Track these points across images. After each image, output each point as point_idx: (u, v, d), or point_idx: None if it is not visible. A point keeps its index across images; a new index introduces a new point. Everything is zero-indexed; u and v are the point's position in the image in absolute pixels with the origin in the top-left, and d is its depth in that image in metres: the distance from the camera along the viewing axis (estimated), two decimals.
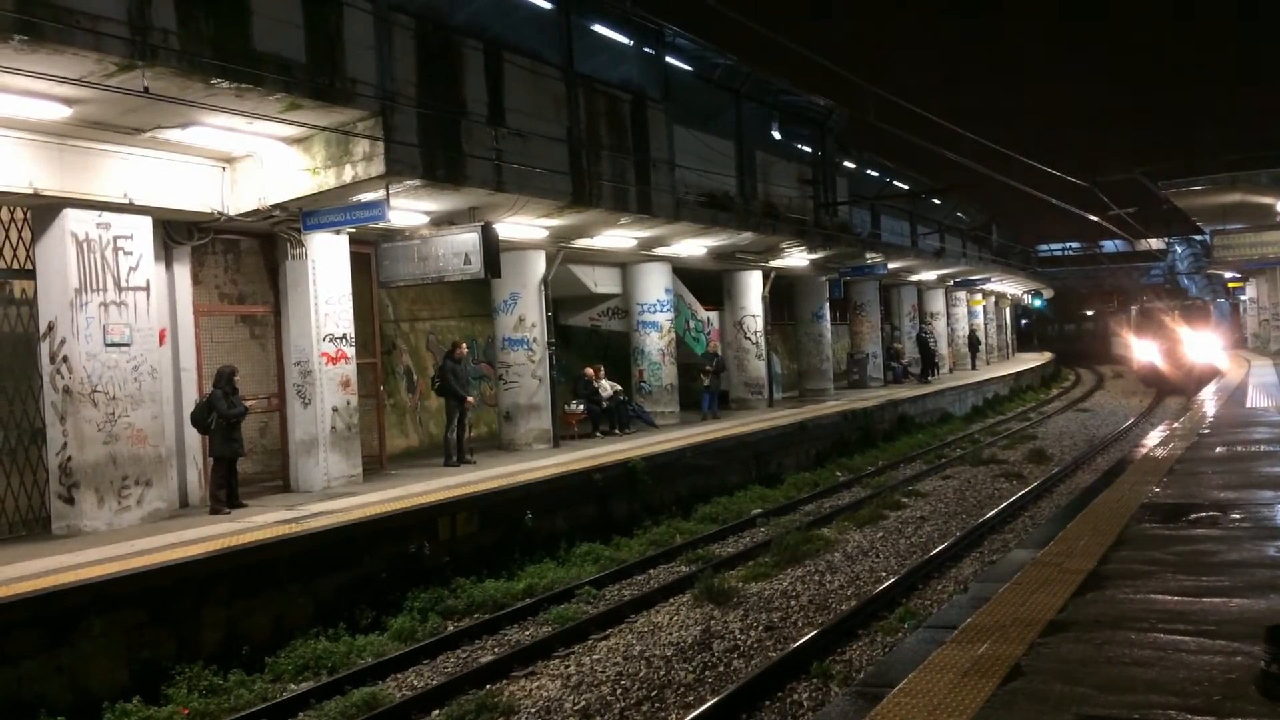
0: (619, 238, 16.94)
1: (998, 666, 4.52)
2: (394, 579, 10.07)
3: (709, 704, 7.03)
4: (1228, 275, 44.76)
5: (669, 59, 18.02)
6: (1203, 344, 32.12)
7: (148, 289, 10.77)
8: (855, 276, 27.71)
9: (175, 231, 11.78)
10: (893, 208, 33.55)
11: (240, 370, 11.65)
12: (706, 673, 8.03)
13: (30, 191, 9.66)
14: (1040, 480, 16.41)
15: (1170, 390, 31.79)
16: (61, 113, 8.98)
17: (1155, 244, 49.02)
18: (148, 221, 10.85)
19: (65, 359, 10.11)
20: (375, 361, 14.63)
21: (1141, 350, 35.52)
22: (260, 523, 10.15)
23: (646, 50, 17.43)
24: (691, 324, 22.21)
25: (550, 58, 14.56)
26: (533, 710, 7.40)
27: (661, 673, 8.04)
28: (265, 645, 8.67)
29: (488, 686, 7.90)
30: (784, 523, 13.81)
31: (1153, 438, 13.36)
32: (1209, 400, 18.41)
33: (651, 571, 11.56)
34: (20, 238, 10.55)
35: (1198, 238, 44.59)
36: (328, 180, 10.97)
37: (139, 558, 8.55)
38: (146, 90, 8.43)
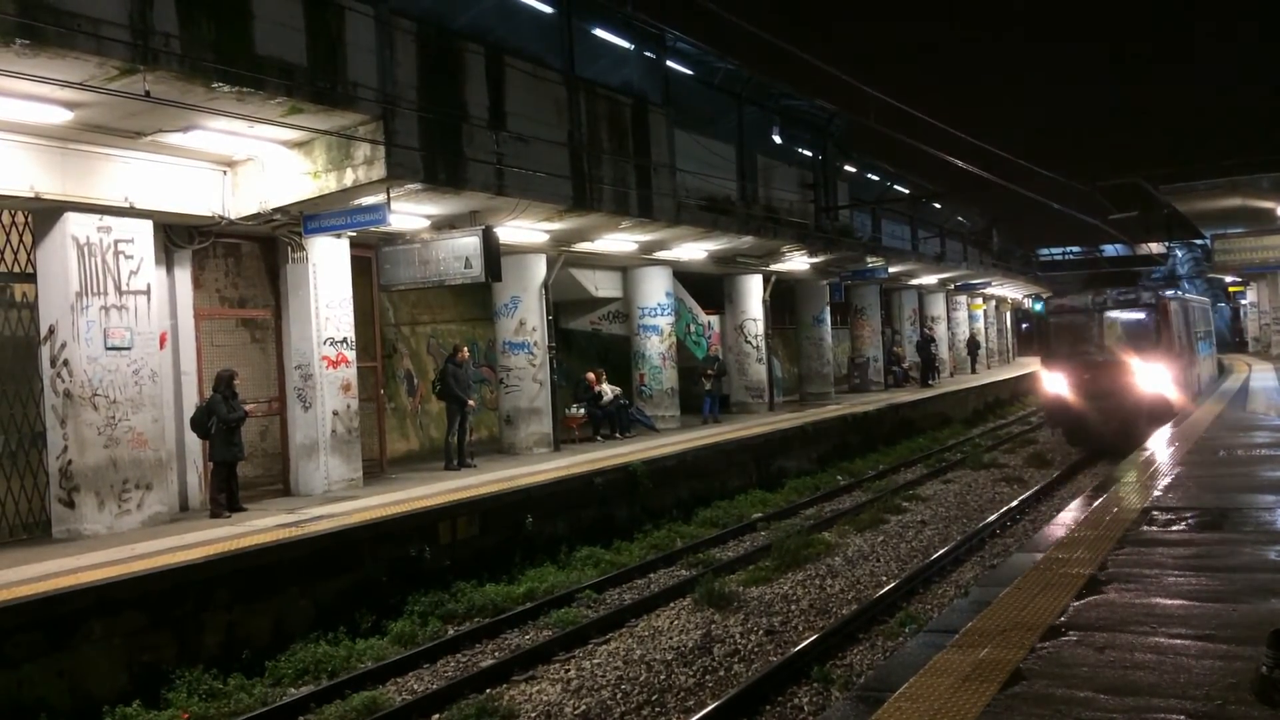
0: (620, 241, 16.94)
1: (999, 671, 4.51)
2: (394, 583, 10.07)
3: (709, 708, 7.02)
4: (1228, 279, 44.82)
5: (670, 63, 18.01)
6: (1151, 373, 18.38)
7: (148, 292, 10.77)
8: (856, 280, 27.74)
9: (176, 235, 11.78)
10: (894, 212, 33.58)
11: (241, 374, 11.65)
12: (707, 677, 8.02)
13: (31, 195, 9.67)
14: (1041, 484, 16.38)
15: (1097, 445, 18.99)
16: (63, 116, 8.98)
17: (1156, 248, 48.75)
18: (148, 225, 10.86)
19: (66, 362, 10.11)
20: (376, 365, 14.62)
21: (1051, 380, 19.92)
22: (261, 526, 10.14)
23: (648, 54, 17.44)
24: (692, 328, 22.19)
25: (552, 62, 14.57)
26: (533, 714, 7.39)
27: (662, 677, 8.03)
28: (265, 649, 8.67)
29: (488, 690, 7.90)
30: (785, 527, 13.77)
31: (1156, 441, 13.34)
32: (1207, 406, 18.37)
33: (652, 575, 11.55)
34: (21, 241, 10.55)
35: (1198, 242, 44.51)
36: (329, 184, 10.97)
37: (139, 561, 8.54)
38: (148, 94, 8.44)
